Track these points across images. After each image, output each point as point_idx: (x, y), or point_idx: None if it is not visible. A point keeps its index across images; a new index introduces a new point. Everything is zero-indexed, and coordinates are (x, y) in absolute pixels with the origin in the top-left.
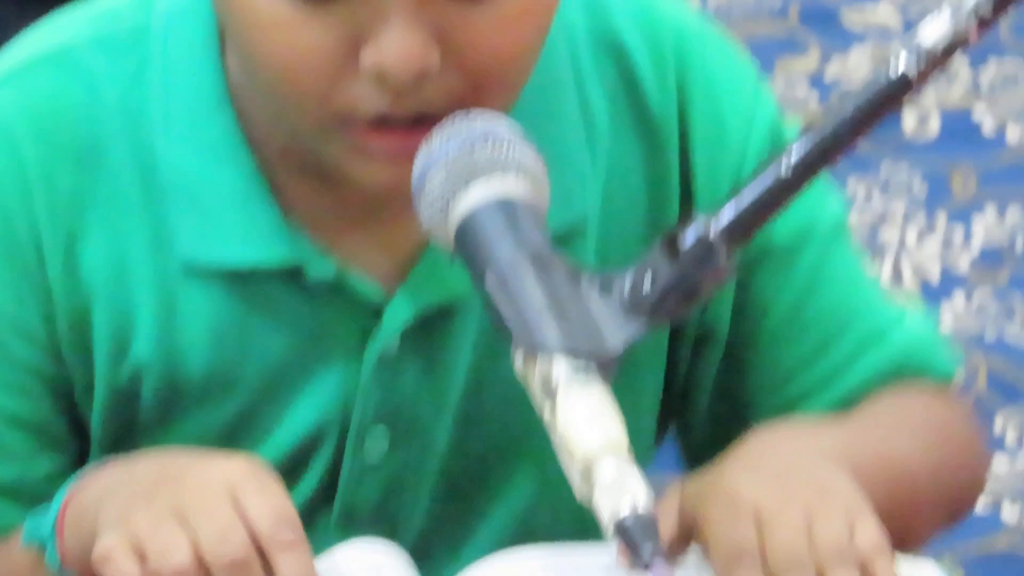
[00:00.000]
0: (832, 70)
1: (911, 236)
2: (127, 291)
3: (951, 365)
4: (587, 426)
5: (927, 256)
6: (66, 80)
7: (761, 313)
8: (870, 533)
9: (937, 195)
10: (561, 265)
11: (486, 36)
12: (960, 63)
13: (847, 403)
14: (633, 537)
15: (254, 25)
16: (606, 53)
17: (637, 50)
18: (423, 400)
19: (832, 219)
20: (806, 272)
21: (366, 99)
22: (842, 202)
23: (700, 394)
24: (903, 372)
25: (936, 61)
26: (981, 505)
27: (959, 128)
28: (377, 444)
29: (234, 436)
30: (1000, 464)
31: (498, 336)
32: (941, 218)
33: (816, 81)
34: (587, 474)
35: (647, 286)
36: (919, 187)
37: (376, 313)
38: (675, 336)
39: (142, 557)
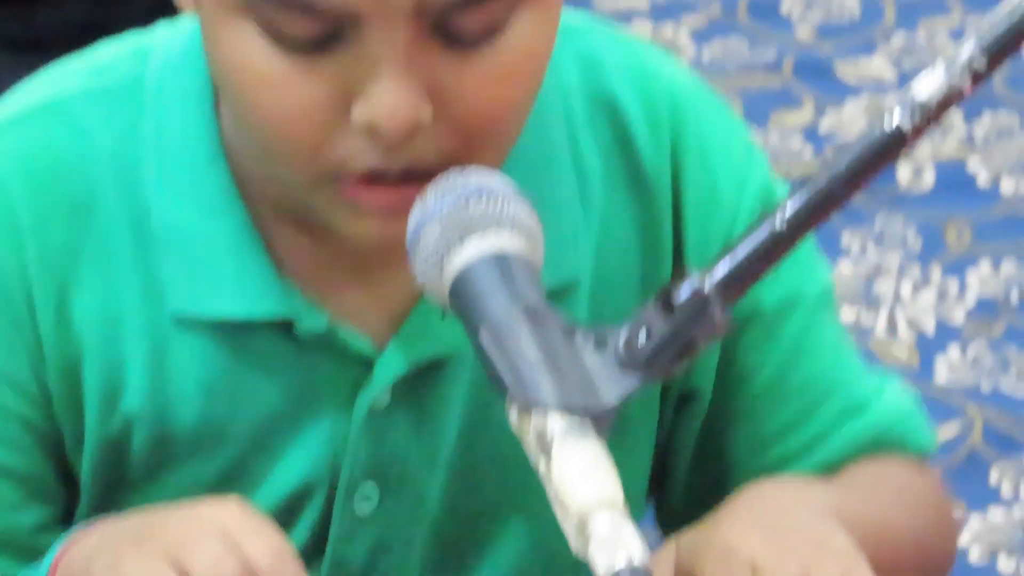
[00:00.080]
0: (826, 123)
1: (906, 289)
2: (118, 343)
3: (928, 439)
4: (582, 480)
5: (922, 308)
6: (59, 132)
7: (746, 377)
8: None
9: (932, 248)
10: (556, 320)
11: (478, 91)
12: (954, 115)
13: (826, 470)
14: None
15: (245, 80)
16: (600, 110)
17: (631, 108)
18: (414, 455)
19: (819, 288)
20: (792, 339)
21: (357, 154)
22: (829, 272)
23: (682, 454)
24: (882, 443)
25: (931, 115)
26: (977, 556)
27: (954, 180)
28: (367, 499)
29: (224, 488)
30: (996, 516)
31: (490, 389)
32: (936, 271)
33: (810, 134)
34: (582, 528)
35: (642, 341)
36: (914, 240)
37: (367, 366)
38: (661, 396)
39: None
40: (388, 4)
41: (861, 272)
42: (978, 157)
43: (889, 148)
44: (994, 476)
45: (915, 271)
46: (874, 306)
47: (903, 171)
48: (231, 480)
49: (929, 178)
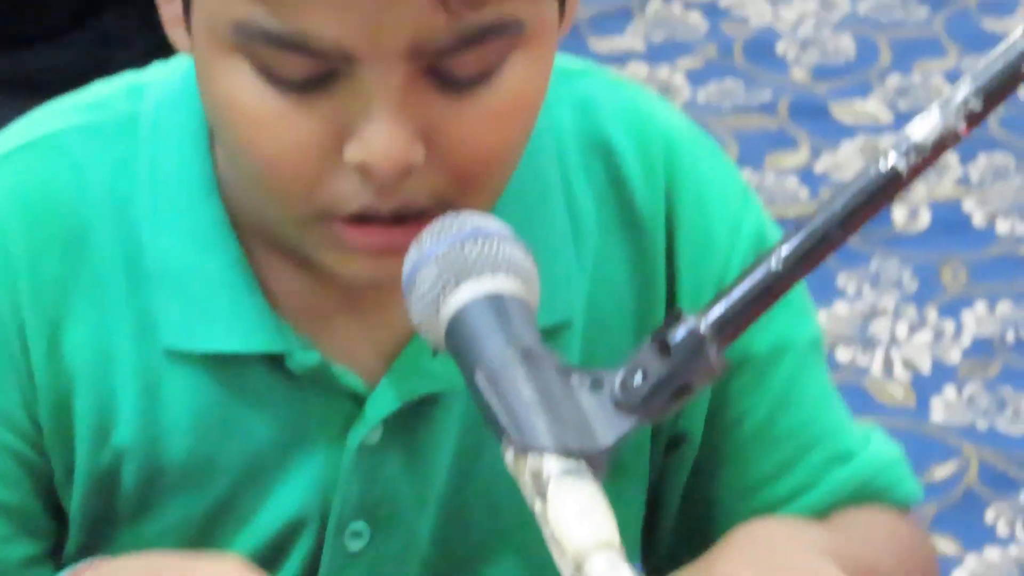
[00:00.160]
0: (822, 164)
1: (902, 329)
2: (110, 376)
3: (913, 490)
4: (578, 522)
5: (918, 348)
6: (54, 166)
7: (735, 421)
8: None
9: (928, 288)
10: (551, 361)
11: (471, 132)
12: (950, 156)
13: (813, 517)
14: None
15: (239, 118)
16: (594, 153)
17: (626, 151)
18: (405, 492)
19: (809, 336)
20: (782, 385)
21: (349, 194)
22: (818, 321)
23: (670, 497)
24: (867, 493)
25: (927, 157)
26: None
27: (949, 221)
28: (357, 536)
29: (215, 522)
30: (992, 555)
31: (482, 427)
32: (932, 311)
33: (806, 175)
34: (579, 570)
35: (637, 382)
36: (909, 280)
37: (359, 401)
38: (651, 439)
39: None
40: (383, 45)
41: (857, 312)
42: (974, 198)
43: (885, 189)
44: (990, 515)
45: (911, 311)
46: (870, 346)
47: (899, 212)
48: (222, 514)
49: (925, 219)
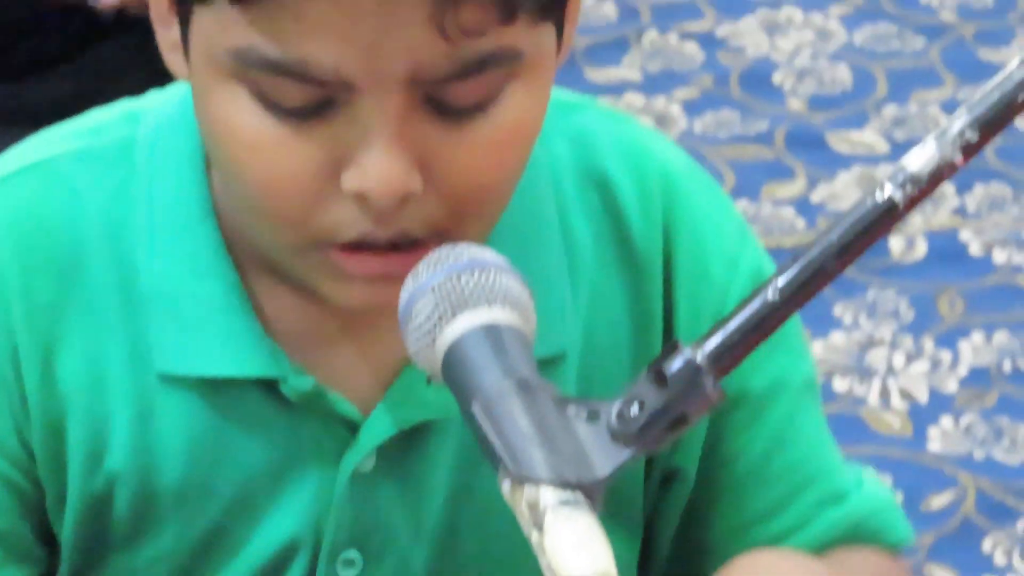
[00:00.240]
0: (819, 194)
1: (898, 359)
2: (103, 400)
3: (905, 532)
4: (575, 553)
5: (915, 378)
6: (48, 191)
7: (730, 459)
8: None
9: (924, 318)
10: (548, 392)
11: (469, 162)
12: (946, 186)
13: None
14: None
15: (236, 145)
16: (592, 186)
17: (623, 185)
18: (399, 521)
19: (804, 376)
20: (777, 424)
21: (346, 221)
22: (813, 363)
23: (665, 532)
24: (859, 534)
25: (924, 188)
26: None
27: (946, 251)
28: (350, 564)
29: (208, 548)
30: None
31: (477, 457)
32: (928, 341)
33: (802, 205)
34: None
35: (634, 412)
36: (906, 310)
37: (353, 428)
38: (645, 473)
39: None
40: (382, 73)
41: (854, 342)
42: (970, 228)
43: (881, 221)
44: (987, 545)
45: (908, 341)
46: (867, 376)
47: (895, 241)
48: (215, 540)
49: (921, 248)
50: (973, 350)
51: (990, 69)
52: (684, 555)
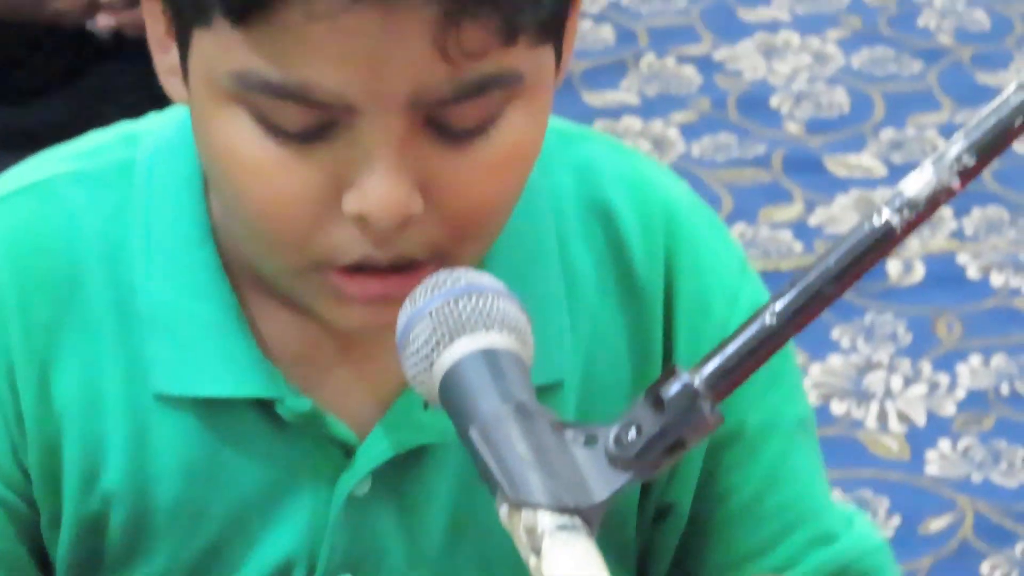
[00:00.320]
0: (816, 218)
1: (896, 382)
2: (98, 420)
3: (892, 572)
4: None
5: (913, 401)
6: (45, 211)
7: (724, 496)
8: None
9: (922, 341)
10: (545, 416)
11: (469, 183)
12: (944, 209)
13: None
14: None
15: (236, 168)
16: (594, 216)
17: (626, 217)
18: (395, 546)
19: (800, 414)
20: (770, 463)
21: (347, 244)
22: (809, 402)
23: (658, 567)
24: (848, 575)
25: (921, 213)
26: None
27: (944, 274)
28: None
29: (202, 568)
30: None
31: (477, 481)
32: (926, 364)
33: (800, 229)
34: None
35: (632, 437)
36: (904, 334)
37: (349, 451)
38: (640, 506)
39: None
40: (383, 96)
41: (852, 366)
42: (968, 251)
43: (879, 245)
44: (986, 568)
45: (905, 365)
46: (865, 400)
47: (893, 265)
48: (209, 560)
49: (919, 272)
50: (971, 373)
51: (987, 92)
52: None
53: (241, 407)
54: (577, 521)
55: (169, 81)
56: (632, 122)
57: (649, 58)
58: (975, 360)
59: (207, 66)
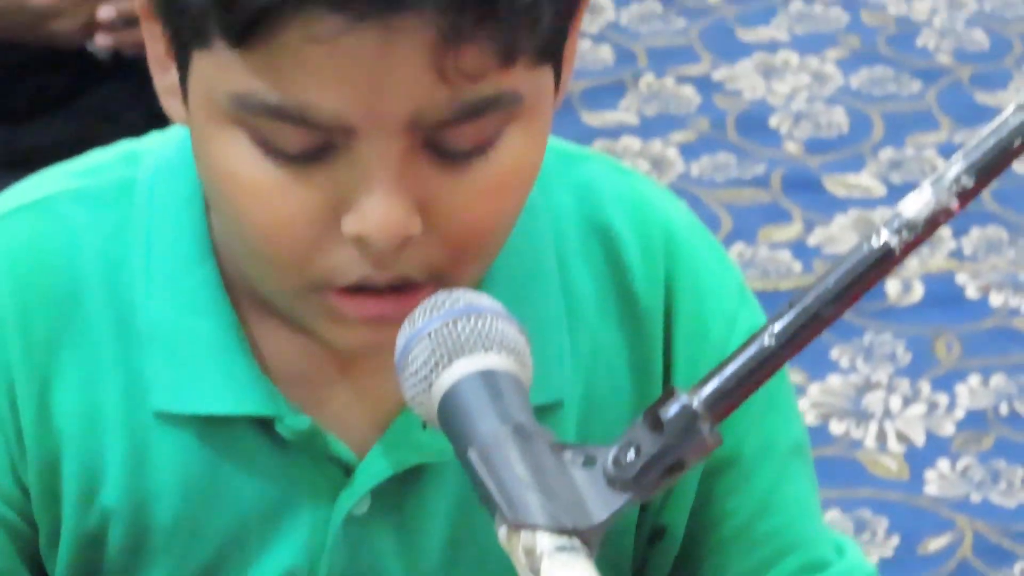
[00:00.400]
0: (815, 237)
1: (895, 402)
2: (98, 437)
3: None
4: None
5: (911, 422)
6: (45, 228)
7: (717, 521)
8: None
9: (921, 361)
10: (544, 437)
11: (469, 205)
12: (943, 229)
13: None
14: None
15: (236, 189)
16: (595, 237)
17: (626, 238)
18: (393, 565)
19: (795, 440)
20: (764, 489)
21: (346, 265)
22: (804, 424)
23: None
24: None
25: (920, 234)
26: None
27: (943, 294)
28: None
29: None
30: None
31: (476, 502)
32: (925, 384)
33: (799, 248)
34: None
35: (630, 458)
36: (903, 354)
37: (348, 470)
38: (635, 528)
39: None
40: (382, 118)
41: (851, 386)
42: (967, 271)
43: (878, 266)
44: None
45: (904, 385)
46: (864, 419)
47: (892, 285)
48: None
49: (918, 292)
50: (970, 393)
51: (987, 112)
52: None
53: (241, 425)
54: (576, 542)
55: (169, 101)
56: (631, 142)
57: (648, 78)
58: (974, 380)
59: (206, 87)
